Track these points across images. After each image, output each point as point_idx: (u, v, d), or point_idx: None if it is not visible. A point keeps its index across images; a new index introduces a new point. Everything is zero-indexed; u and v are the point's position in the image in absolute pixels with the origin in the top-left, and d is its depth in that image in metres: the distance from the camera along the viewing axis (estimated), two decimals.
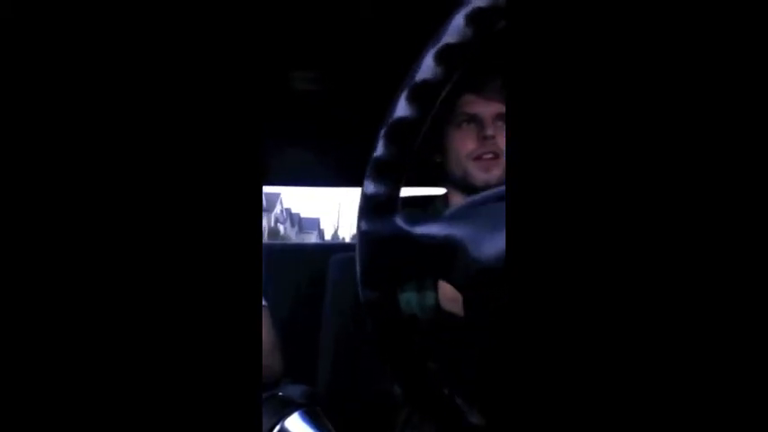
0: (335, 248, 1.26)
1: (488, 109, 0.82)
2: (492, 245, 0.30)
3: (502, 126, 0.82)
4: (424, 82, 0.30)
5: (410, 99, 0.31)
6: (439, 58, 0.30)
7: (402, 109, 0.31)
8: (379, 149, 0.32)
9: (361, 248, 0.34)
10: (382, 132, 0.32)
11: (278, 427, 0.65)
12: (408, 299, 0.57)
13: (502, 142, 0.81)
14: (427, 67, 0.30)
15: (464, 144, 0.83)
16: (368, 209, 0.33)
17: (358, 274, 0.34)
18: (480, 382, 0.34)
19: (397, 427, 0.80)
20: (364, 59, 0.95)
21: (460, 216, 0.34)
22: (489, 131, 0.81)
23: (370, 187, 0.33)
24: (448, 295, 0.52)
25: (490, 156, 0.82)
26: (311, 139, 1.27)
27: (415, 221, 0.33)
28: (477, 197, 0.34)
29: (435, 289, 0.54)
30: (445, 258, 0.32)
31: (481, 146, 0.82)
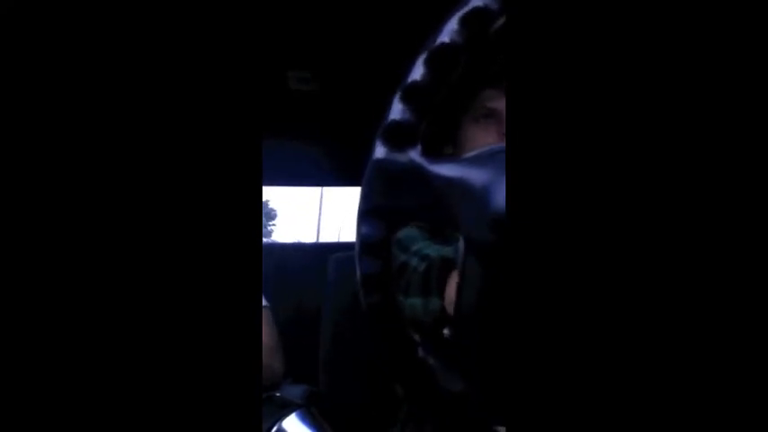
0: (335, 248, 1.26)
1: None
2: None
3: None
4: (473, 9, 0.30)
5: (459, 24, 0.30)
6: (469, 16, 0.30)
7: (448, 34, 0.30)
8: (415, 73, 0.31)
9: (369, 177, 0.32)
10: (421, 58, 0.31)
11: (275, 428, 0.65)
12: (413, 304, 0.56)
13: None
14: None
15: (483, 137, 0.81)
16: (387, 135, 0.32)
17: (360, 206, 0.33)
18: (481, 375, 0.33)
19: (397, 426, 0.80)
20: (363, 59, 0.95)
21: (480, 161, 0.31)
22: None
23: (396, 112, 0.32)
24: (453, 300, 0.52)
25: None
26: (309, 140, 1.27)
27: (432, 159, 0.32)
28: (499, 146, 0.32)
29: (441, 295, 0.53)
30: (456, 202, 0.30)
31: (501, 140, 0.80)
